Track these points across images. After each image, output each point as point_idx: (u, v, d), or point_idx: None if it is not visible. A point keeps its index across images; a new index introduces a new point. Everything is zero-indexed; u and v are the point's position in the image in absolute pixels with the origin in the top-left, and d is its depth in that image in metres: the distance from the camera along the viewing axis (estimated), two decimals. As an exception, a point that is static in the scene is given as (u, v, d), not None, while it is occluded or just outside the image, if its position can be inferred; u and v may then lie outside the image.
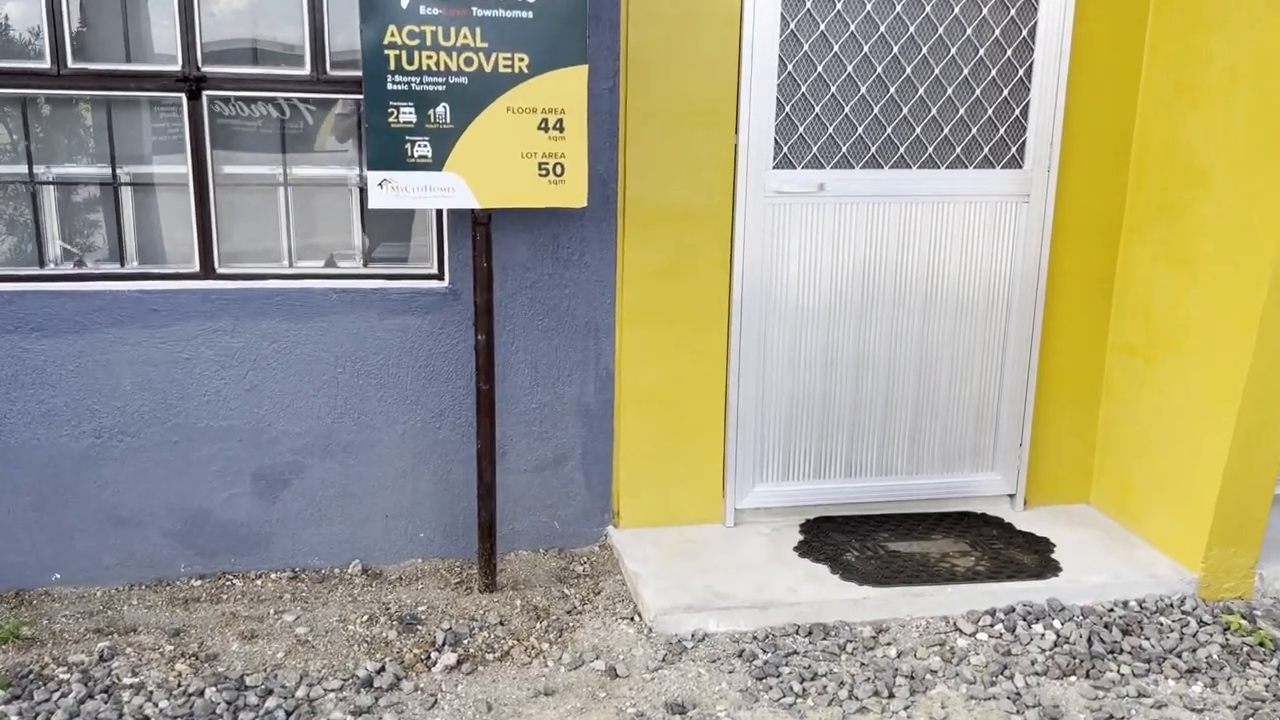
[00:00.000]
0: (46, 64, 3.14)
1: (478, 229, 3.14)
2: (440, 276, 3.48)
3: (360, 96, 3.27)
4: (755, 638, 3.13)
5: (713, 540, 3.66)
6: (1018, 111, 3.65)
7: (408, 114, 2.97)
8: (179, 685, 2.83)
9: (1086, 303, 3.87)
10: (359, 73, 3.26)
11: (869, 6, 3.47)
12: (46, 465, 3.29)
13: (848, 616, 3.25)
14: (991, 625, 3.23)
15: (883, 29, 3.50)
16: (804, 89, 3.50)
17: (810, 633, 3.16)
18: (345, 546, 3.55)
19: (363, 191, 3.46)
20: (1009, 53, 3.60)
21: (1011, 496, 3.98)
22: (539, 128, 3.06)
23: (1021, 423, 3.90)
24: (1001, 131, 3.66)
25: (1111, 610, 3.34)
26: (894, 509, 3.91)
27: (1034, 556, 3.60)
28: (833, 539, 3.68)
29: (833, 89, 3.52)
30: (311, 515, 3.50)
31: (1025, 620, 3.25)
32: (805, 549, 3.60)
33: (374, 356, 3.43)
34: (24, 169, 3.25)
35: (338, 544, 3.54)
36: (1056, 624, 3.23)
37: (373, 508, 3.54)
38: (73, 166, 3.31)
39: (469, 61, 2.97)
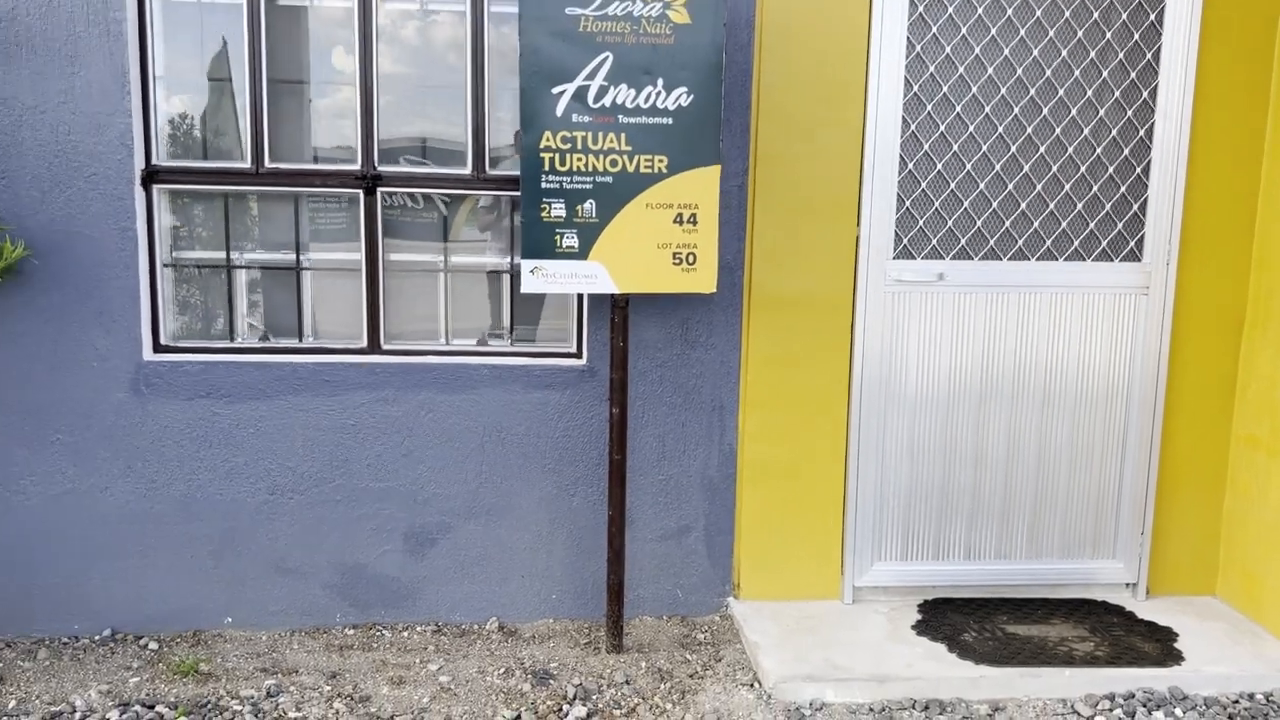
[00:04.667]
0: (247, 164, 3.61)
1: (616, 312, 3.43)
2: (579, 355, 3.77)
3: (515, 193, 3.65)
4: (872, 710, 3.23)
5: (831, 616, 3.79)
6: (1135, 207, 3.78)
7: (558, 209, 3.30)
8: (336, 722, 3.12)
9: (1209, 395, 3.90)
10: (513, 171, 3.65)
11: (987, 109, 3.68)
12: (225, 519, 3.67)
13: (964, 694, 3.32)
14: (1110, 710, 3.26)
15: (1000, 130, 3.70)
16: (924, 185, 3.71)
17: (927, 707, 3.24)
18: (484, 604, 3.81)
19: (513, 278, 3.81)
20: (1126, 151, 3.75)
21: (1133, 585, 3.98)
22: (674, 221, 3.35)
23: (1143, 511, 3.93)
24: (1119, 226, 3.78)
25: (1236, 702, 3.32)
26: (1012, 593, 3.97)
27: (1155, 645, 3.60)
28: (950, 619, 3.76)
29: (952, 185, 3.72)
30: (455, 573, 3.78)
31: (1145, 707, 3.26)
32: (923, 627, 3.69)
33: (517, 427, 3.73)
34: (222, 255, 3.71)
35: (478, 601, 3.81)
36: (1178, 712, 3.23)
37: (510, 568, 3.80)
38: (261, 253, 3.76)
39: (614, 163, 3.30)
